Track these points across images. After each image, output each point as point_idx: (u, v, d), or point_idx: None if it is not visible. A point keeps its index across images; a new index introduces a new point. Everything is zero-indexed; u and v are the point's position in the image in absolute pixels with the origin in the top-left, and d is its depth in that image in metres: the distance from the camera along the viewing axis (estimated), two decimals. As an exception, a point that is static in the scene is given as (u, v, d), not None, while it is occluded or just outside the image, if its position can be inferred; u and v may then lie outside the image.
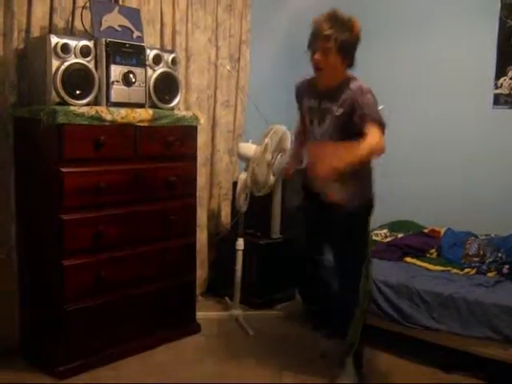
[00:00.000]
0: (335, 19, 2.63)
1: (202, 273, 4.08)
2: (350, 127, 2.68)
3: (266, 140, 3.51)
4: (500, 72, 3.78)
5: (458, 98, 3.96)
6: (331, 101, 2.73)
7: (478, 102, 3.86)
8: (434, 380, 2.98)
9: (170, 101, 3.32)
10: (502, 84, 3.77)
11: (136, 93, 3.12)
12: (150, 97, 3.21)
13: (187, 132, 3.33)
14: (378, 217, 4.04)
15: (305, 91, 2.90)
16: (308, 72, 2.77)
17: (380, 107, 2.72)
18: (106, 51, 2.97)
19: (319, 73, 2.73)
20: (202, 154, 3.84)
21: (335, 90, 2.73)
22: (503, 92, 3.77)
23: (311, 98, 2.84)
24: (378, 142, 2.58)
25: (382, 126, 2.62)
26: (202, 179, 3.98)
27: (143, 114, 3.07)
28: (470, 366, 3.01)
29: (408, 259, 3.55)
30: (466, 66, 3.90)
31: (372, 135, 2.57)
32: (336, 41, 2.62)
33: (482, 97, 3.84)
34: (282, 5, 4.65)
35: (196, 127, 3.39)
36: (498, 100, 3.80)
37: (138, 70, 3.11)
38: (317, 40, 2.66)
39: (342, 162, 2.49)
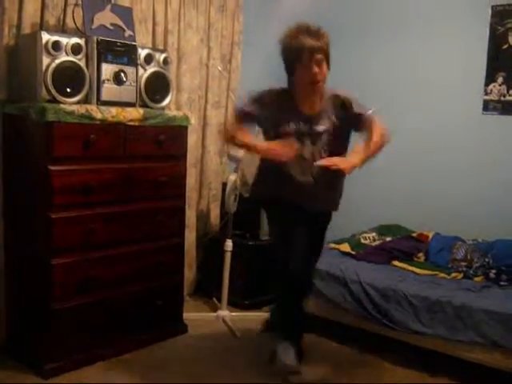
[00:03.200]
0: (314, 31, 2.69)
1: (189, 273, 4.07)
2: (346, 132, 2.83)
3: (257, 141, 3.51)
4: (490, 78, 3.80)
5: (448, 104, 3.97)
6: (323, 118, 2.77)
7: (468, 107, 3.88)
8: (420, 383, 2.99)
9: (161, 100, 3.31)
10: (491, 90, 3.79)
11: (127, 92, 3.10)
12: (140, 96, 3.20)
13: (177, 132, 3.32)
14: (367, 220, 4.09)
15: (285, 113, 2.77)
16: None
17: (370, 110, 2.77)
18: (98, 49, 2.96)
19: (317, 86, 2.73)
20: (192, 155, 3.82)
21: (323, 105, 2.79)
22: (493, 98, 3.79)
23: (299, 122, 2.76)
24: (384, 128, 2.75)
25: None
26: (191, 180, 3.97)
27: (133, 114, 3.06)
28: (456, 371, 3.02)
29: (396, 263, 3.56)
30: (456, 72, 3.92)
31: (377, 124, 2.74)
32: (326, 51, 2.70)
33: (472, 102, 3.85)
34: (274, 7, 4.64)
35: (186, 127, 3.38)
36: (487, 106, 3.82)
37: (129, 69, 3.10)
38: (313, 53, 2.65)
39: (360, 158, 2.64)
